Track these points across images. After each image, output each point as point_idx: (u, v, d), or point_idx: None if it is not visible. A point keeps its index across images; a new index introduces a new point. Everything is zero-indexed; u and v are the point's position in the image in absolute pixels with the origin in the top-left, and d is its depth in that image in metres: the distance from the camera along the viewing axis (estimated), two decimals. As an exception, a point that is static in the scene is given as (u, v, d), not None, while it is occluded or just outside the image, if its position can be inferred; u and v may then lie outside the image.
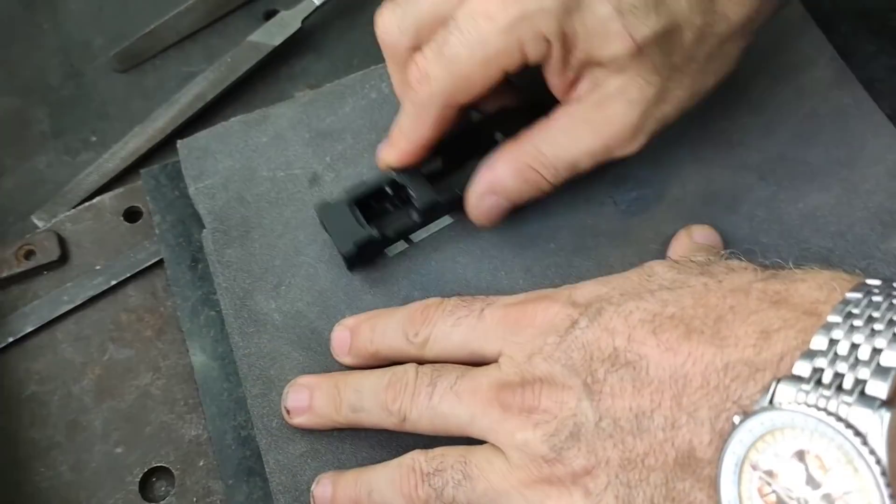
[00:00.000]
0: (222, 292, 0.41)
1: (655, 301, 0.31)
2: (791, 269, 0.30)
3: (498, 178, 0.39)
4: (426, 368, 0.35)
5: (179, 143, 0.46)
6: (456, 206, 0.41)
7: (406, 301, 0.39)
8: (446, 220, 0.43)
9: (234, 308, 0.41)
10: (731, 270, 0.31)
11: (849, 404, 0.24)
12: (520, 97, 0.42)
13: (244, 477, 0.38)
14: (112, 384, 0.42)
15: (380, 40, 0.39)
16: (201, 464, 0.40)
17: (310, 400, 0.37)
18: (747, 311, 0.28)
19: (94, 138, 0.50)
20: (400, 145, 0.39)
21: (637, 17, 0.35)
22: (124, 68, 0.53)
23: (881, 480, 0.23)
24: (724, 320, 0.29)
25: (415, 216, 0.41)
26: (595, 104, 0.37)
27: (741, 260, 0.32)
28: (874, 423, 0.23)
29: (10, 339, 0.43)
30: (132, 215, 0.46)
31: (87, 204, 0.47)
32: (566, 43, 0.36)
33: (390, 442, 0.37)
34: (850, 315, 0.26)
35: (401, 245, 0.42)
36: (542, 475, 0.30)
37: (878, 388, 0.24)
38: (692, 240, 0.40)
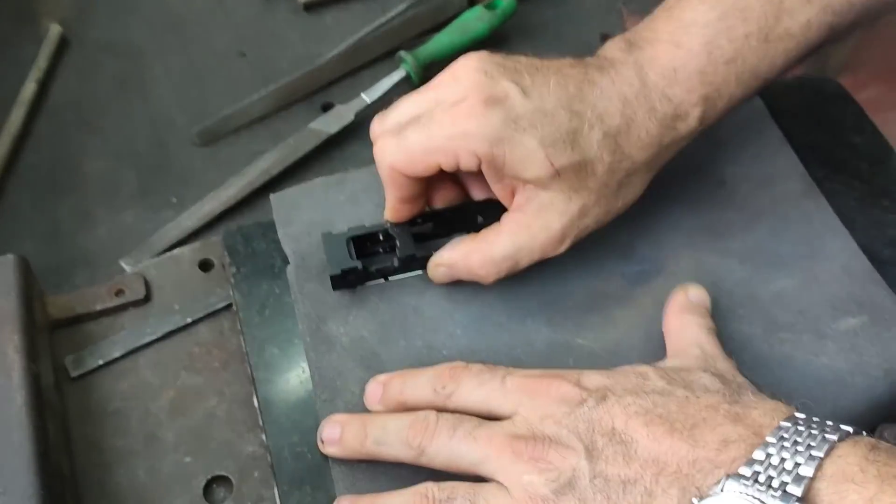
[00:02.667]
0: (301, 317, 0.49)
1: (648, 401, 0.39)
2: (749, 396, 0.40)
3: (453, 259, 0.48)
4: (447, 414, 0.42)
5: (272, 196, 0.54)
6: (426, 263, 0.50)
7: (451, 338, 0.48)
8: (418, 272, 0.51)
9: (310, 330, 0.48)
10: (707, 391, 0.40)
11: (775, 497, 0.33)
12: None
13: (297, 485, 0.45)
14: (183, 404, 0.49)
15: (372, 137, 0.48)
16: (256, 475, 0.47)
17: (340, 434, 0.44)
18: (715, 424, 0.38)
19: (174, 199, 0.59)
20: (386, 203, 0.49)
21: (556, 150, 0.44)
22: (204, 143, 0.62)
23: None
24: (698, 427, 0.38)
25: (395, 262, 0.50)
26: (533, 213, 0.46)
27: (714, 377, 0.41)
28: None
29: (101, 362, 0.50)
30: (206, 266, 0.54)
31: (168, 254, 0.55)
32: (494, 163, 0.44)
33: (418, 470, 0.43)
34: (781, 438, 0.36)
35: (379, 282, 0.50)
36: None
37: (795, 489, 0.34)
38: (687, 297, 0.48)
